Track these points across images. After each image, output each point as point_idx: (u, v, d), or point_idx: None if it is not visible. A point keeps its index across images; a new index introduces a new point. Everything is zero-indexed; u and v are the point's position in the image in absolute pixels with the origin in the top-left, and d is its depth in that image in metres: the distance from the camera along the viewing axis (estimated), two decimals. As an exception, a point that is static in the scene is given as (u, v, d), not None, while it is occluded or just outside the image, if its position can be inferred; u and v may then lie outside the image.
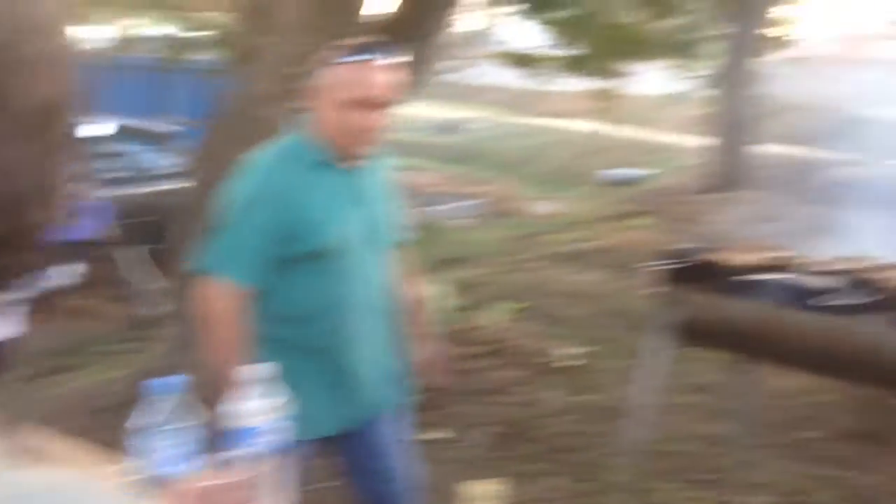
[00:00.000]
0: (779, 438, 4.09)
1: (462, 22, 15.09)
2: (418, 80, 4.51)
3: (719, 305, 3.35)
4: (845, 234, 4.51)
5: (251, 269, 2.21)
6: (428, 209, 9.64)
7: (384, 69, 2.18)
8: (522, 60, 11.93)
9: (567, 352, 5.03)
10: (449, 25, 4.86)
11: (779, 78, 12.79)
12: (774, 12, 11.95)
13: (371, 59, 2.17)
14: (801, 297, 3.17)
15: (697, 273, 3.45)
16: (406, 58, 2.31)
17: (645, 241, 7.30)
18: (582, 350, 5.10)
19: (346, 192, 2.27)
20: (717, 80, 11.41)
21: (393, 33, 4.52)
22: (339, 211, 2.24)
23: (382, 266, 2.37)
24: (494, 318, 5.35)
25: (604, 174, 12.32)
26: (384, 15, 4.63)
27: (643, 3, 9.07)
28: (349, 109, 2.16)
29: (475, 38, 18.60)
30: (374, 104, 2.17)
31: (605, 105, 11.82)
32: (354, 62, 2.16)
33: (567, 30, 9.20)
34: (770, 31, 11.91)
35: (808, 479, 3.83)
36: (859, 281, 3.20)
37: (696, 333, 3.45)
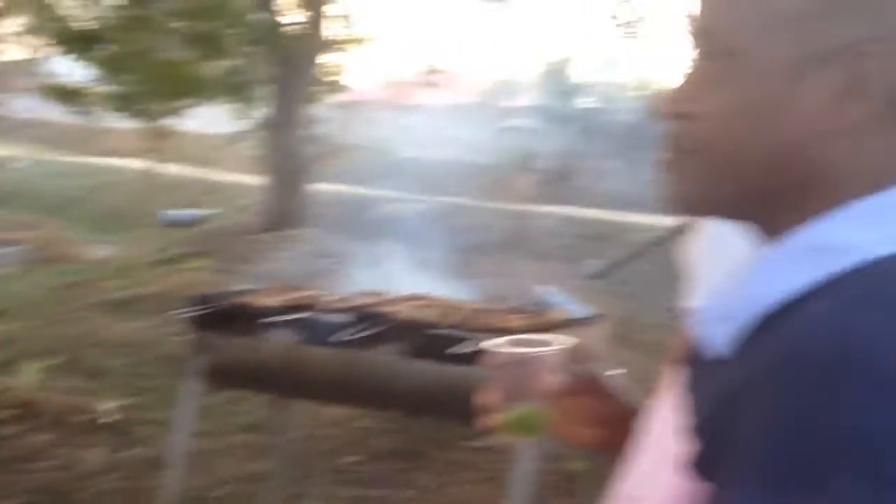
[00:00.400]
0: (323, 466, 4.30)
1: (4, 52, 13.95)
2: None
3: (245, 347, 3.43)
4: (382, 267, 4.91)
5: None
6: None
7: None
8: (68, 95, 11.31)
9: (109, 406, 4.79)
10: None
11: (331, 121, 13.61)
12: (324, 59, 12.67)
13: None
14: (321, 333, 3.35)
15: (225, 317, 3.50)
16: None
17: (200, 283, 7.24)
18: (125, 402, 4.89)
19: None
20: (271, 121, 11.79)
21: None
22: None
23: None
24: (25, 378, 4.92)
25: (162, 215, 12.02)
26: None
27: (191, 43, 9.07)
28: None
29: (19, 70, 17.27)
30: None
31: (159, 144, 11.58)
32: None
33: (110, 67, 8.88)
34: (321, 77, 12.61)
35: (351, 501, 4.08)
36: (372, 314, 3.47)
37: (226, 376, 3.49)
